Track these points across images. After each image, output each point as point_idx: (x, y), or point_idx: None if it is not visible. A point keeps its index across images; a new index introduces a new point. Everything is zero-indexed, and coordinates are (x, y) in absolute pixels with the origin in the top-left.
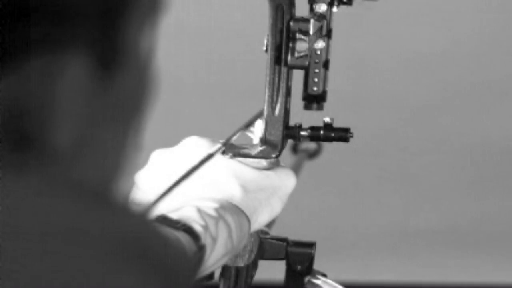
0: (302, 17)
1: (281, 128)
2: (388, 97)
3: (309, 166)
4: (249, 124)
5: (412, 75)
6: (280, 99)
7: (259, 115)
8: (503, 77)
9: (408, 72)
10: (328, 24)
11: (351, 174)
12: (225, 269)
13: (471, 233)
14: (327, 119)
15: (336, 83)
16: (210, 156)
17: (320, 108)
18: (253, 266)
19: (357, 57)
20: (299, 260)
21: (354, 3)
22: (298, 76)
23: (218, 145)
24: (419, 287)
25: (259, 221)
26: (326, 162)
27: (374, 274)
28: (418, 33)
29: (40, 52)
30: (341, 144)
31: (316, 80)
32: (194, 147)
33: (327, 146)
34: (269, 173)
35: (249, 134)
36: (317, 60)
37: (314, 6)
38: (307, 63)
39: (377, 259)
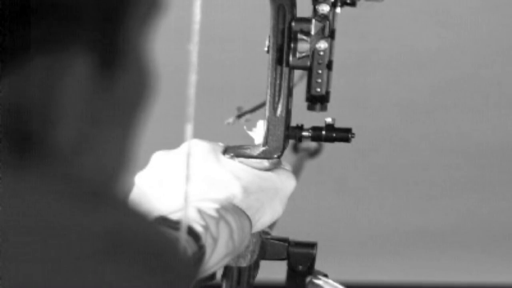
0: (304, 18)
1: (282, 128)
2: (389, 98)
3: (310, 166)
4: (256, 108)
5: (413, 76)
6: (282, 100)
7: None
8: (504, 77)
9: (409, 73)
10: (331, 25)
11: (352, 174)
12: (227, 269)
13: (471, 233)
14: (328, 120)
15: (337, 84)
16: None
17: (323, 109)
18: (255, 266)
19: (359, 58)
20: (301, 260)
21: (357, 4)
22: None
23: (220, 147)
24: (419, 287)
25: (261, 222)
26: (326, 162)
27: (374, 274)
28: (419, 33)
29: (40, 52)
30: (342, 144)
31: (319, 81)
32: (194, 150)
33: (328, 145)
34: (271, 174)
35: (251, 134)
36: (320, 61)
37: (317, 7)
38: (308, 63)
39: (377, 259)
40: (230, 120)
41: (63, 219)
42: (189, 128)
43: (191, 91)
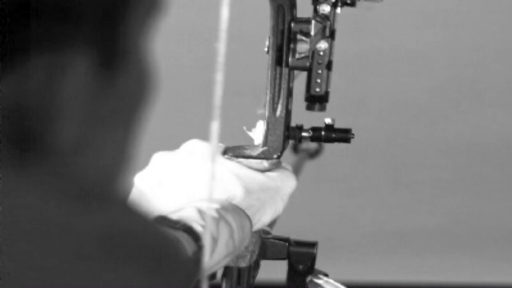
0: (303, 18)
1: (282, 129)
2: (388, 98)
3: (310, 166)
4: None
5: (412, 76)
6: (281, 100)
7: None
8: (504, 78)
9: (408, 73)
10: (332, 25)
11: (352, 174)
12: (227, 269)
13: (471, 233)
14: (328, 120)
15: (337, 84)
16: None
17: (322, 109)
18: (255, 266)
19: (358, 58)
20: (301, 260)
21: (357, 4)
22: (301, 76)
23: (220, 147)
24: (419, 287)
25: (262, 221)
26: (326, 162)
27: (375, 274)
28: (418, 34)
29: (40, 52)
30: (341, 144)
31: (318, 81)
32: (194, 150)
33: (328, 146)
34: (271, 174)
35: (251, 135)
36: (320, 61)
37: (317, 7)
38: (307, 64)
39: (378, 259)
40: (261, 110)
41: (63, 219)
42: (215, 126)
43: (218, 89)
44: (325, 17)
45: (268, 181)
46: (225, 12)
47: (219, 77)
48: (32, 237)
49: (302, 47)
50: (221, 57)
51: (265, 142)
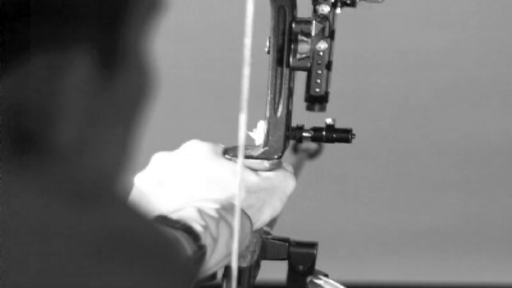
0: (304, 19)
1: (283, 129)
2: (388, 98)
3: (310, 166)
4: None
5: (412, 76)
6: (282, 101)
7: None
8: (504, 77)
9: (408, 73)
10: (331, 26)
11: (352, 174)
12: (227, 269)
13: (471, 233)
14: (329, 120)
15: (337, 84)
16: None
17: (322, 109)
18: (255, 266)
19: (358, 58)
20: (301, 260)
21: (357, 4)
22: (301, 77)
23: (220, 147)
24: (419, 287)
25: (261, 220)
26: (326, 162)
27: (375, 274)
28: (418, 34)
29: (40, 52)
30: (342, 144)
31: (318, 81)
32: (195, 150)
33: (328, 146)
34: (270, 174)
35: (252, 135)
36: (319, 62)
37: (317, 7)
38: (308, 64)
39: (378, 259)
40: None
41: (63, 219)
42: (243, 118)
43: (245, 83)
44: (324, 17)
45: (268, 181)
46: (250, 8)
47: (246, 71)
48: (32, 237)
49: (303, 48)
50: (247, 51)
51: (266, 143)
